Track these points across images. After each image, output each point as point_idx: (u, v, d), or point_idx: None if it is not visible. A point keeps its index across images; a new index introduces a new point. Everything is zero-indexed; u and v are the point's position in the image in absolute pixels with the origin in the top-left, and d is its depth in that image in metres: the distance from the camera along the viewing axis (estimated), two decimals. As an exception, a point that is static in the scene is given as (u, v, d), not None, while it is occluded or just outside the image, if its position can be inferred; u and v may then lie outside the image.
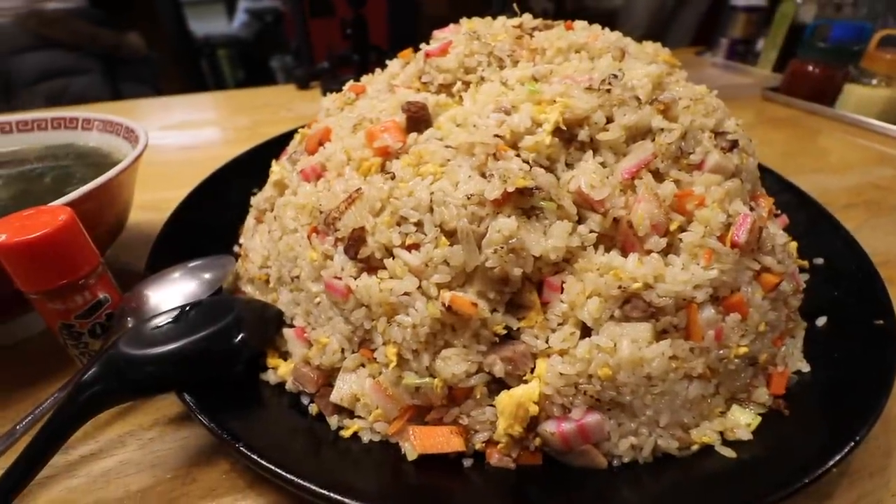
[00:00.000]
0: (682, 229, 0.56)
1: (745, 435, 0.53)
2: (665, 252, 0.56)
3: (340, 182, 0.61)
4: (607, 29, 0.78)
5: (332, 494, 0.44)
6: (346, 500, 0.43)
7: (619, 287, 0.51)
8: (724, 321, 0.54)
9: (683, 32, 3.15)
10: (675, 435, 0.52)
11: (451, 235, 0.53)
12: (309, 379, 0.58)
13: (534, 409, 0.50)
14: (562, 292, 0.53)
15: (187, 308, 0.60)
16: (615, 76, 0.61)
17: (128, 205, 0.84)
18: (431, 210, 0.53)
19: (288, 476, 0.45)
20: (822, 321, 0.67)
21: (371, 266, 0.56)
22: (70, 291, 0.59)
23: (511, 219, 0.52)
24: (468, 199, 0.52)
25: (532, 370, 0.52)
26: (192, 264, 0.72)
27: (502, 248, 0.50)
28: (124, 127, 0.87)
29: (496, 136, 0.57)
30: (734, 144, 0.63)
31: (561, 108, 0.58)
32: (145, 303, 0.66)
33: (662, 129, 0.60)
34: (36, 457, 0.49)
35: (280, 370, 0.60)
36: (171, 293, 0.68)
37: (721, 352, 0.54)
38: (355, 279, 0.55)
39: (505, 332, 0.53)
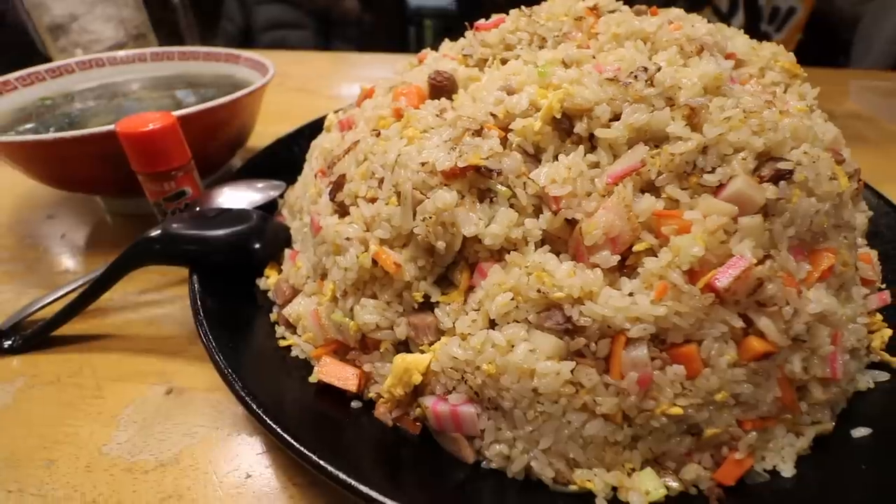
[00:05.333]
0: (653, 254, 0.48)
1: (639, 502, 0.45)
2: (622, 273, 0.49)
3: (352, 133, 0.67)
4: (704, 20, 0.66)
5: (233, 379, 0.52)
6: (238, 390, 0.51)
7: (539, 291, 0.47)
8: (663, 371, 0.46)
9: None
10: (553, 464, 0.47)
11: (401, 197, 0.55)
12: (281, 292, 0.67)
13: (417, 378, 0.51)
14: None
15: (226, 211, 0.75)
16: (644, 69, 0.54)
17: (245, 127, 1.04)
18: (394, 170, 0.56)
19: (214, 353, 0.55)
20: (861, 432, 0.50)
21: (344, 211, 0.61)
22: (162, 178, 0.79)
23: (452, 193, 0.51)
24: (422, 165, 0.53)
25: (432, 344, 0.52)
26: (261, 182, 0.88)
27: (430, 218, 0.51)
28: (263, 65, 1.07)
29: (491, 114, 0.57)
30: (782, 176, 0.49)
31: (561, 95, 0.54)
32: (213, 199, 0.84)
33: (681, 138, 0.51)
34: (98, 286, 0.70)
35: (270, 280, 0.71)
36: (236, 198, 0.84)
37: (644, 402, 0.46)
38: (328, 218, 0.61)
39: (423, 300, 0.54)
